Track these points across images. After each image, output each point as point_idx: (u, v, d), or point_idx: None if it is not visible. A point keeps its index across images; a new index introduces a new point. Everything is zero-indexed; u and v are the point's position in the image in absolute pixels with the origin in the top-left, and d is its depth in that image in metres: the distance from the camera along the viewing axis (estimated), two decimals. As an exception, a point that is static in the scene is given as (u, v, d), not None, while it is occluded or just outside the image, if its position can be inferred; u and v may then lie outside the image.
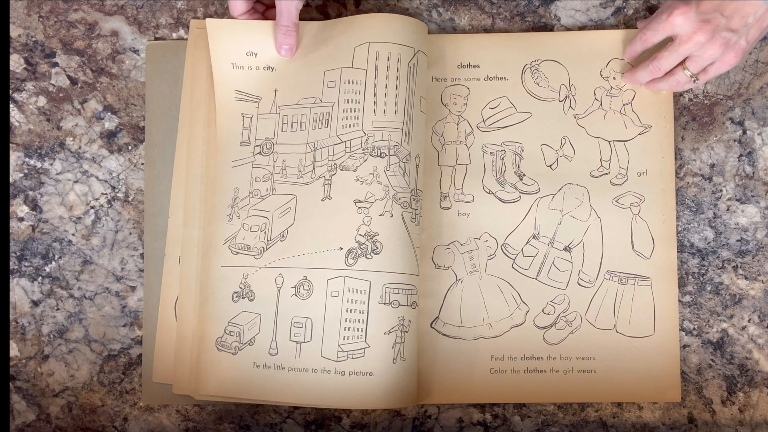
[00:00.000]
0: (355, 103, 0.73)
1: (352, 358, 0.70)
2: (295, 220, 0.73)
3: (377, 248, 0.71)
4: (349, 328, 0.70)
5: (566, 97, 0.78)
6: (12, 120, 0.79)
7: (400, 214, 0.72)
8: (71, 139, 0.79)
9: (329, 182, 0.72)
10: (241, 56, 0.76)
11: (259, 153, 0.75)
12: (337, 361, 0.70)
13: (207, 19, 0.75)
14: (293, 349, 0.71)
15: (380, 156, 0.72)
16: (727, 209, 0.77)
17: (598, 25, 0.78)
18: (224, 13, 0.79)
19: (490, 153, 0.77)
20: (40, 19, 0.79)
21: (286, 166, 0.74)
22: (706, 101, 0.78)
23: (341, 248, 0.71)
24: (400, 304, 0.71)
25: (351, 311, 0.70)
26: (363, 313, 0.70)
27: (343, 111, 0.73)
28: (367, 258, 0.71)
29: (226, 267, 0.73)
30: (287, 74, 0.75)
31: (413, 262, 0.72)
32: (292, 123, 0.74)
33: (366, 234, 0.71)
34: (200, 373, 0.72)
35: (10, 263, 0.78)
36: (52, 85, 0.79)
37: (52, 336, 0.78)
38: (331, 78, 0.74)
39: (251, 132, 0.75)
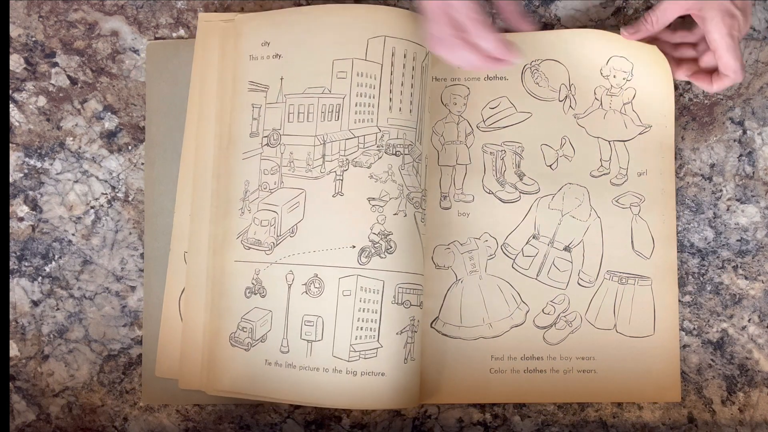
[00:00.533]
0: (370, 98, 0.72)
1: (365, 358, 0.70)
2: (304, 216, 0.72)
3: (391, 247, 0.70)
4: (361, 328, 0.70)
5: (566, 96, 0.78)
6: (12, 120, 0.79)
7: (413, 213, 0.72)
8: (71, 139, 0.79)
9: (341, 178, 0.72)
10: (257, 47, 0.75)
11: (267, 144, 0.74)
12: (348, 361, 0.70)
13: (238, 15, 0.75)
14: (304, 347, 0.71)
15: (395, 154, 0.71)
16: (727, 209, 0.77)
17: (598, 25, 0.78)
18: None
19: (490, 153, 0.77)
20: (40, 19, 0.79)
21: (294, 159, 0.73)
22: (706, 101, 0.78)
23: (354, 246, 0.70)
24: (411, 304, 0.71)
25: (364, 311, 0.70)
26: (376, 312, 0.70)
27: (356, 105, 0.72)
28: (381, 257, 0.70)
29: (239, 262, 0.73)
30: (293, 61, 0.74)
31: (422, 262, 0.72)
32: (299, 113, 0.73)
33: (380, 233, 0.70)
34: (214, 368, 0.72)
35: (10, 263, 0.78)
36: (52, 85, 0.79)
37: (52, 336, 0.78)
38: (341, 68, 0.73)
39: (260, 123, 0.74)
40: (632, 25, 0.75)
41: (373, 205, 0.71)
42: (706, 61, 0.74)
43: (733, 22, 0.69)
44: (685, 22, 0.74)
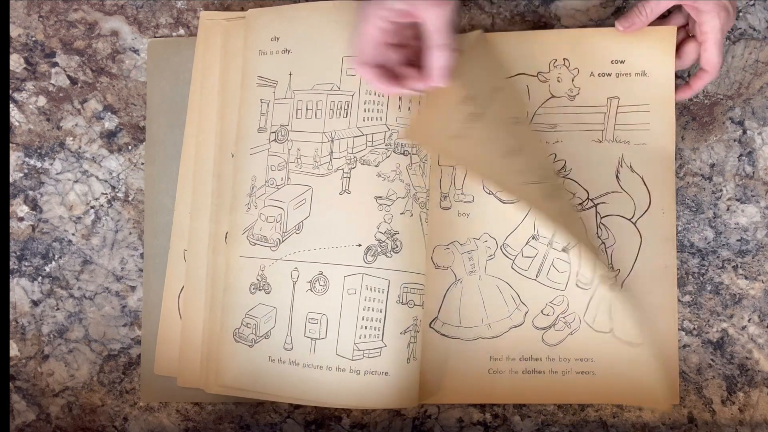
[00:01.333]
0: (379, 95, 0.72)
1: (369, 357, 0.70)
2: (311, 213, 0.72)
3: (397, 247, 0.70)
4: (366, 327, 0.70)
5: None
6: (12, 120, 0.79)
7: (418, 213, 0.72)
8: (71, 138, 0.79)
9: (348, 176, 0.71)
10: (267, 42, 0.75)
11: (274, 140, 0.74)
12: (352, 360, 0.70)
13: (250, 10, 0.75)
14: (308, 345, 0.71)
15: (403, 154, 0.71)
16: (727, 209, 0.77)
17: (599, 25, 0.78)
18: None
19: (491, 153, 0.77)
20: (40, 19, 0.79)
21: (301, 155, 0.73)
22: (706, 101, 0.78)
23: (360, 245, 0.70)
24: (414, 304, 0.71)
25: (369, 309, 0.70)
26: (381, 312, 0.70)
27: (365, 102, 0.72)
28: (387, 256, 0.70)
29: (245, 258, 0.73)
30: (302, 57, 0.74)
31: (424, 262, 0.72)
32: (307, 109, 0.73)
33: (387, 232, 0.70)
34: (216, 364, 0.72)
35: (10, 263, 0.78)
36: (52, 84, 0.79)
37: (52, 336, 0.78)
38: (351, 65, 0.72)
39: (268, 118, 0.74)
40: (625, 17, 0.73)
41: (380, 204, 0.71)
42: (683, 61, 0.74)
43: (726, 16, 0.69)
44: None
